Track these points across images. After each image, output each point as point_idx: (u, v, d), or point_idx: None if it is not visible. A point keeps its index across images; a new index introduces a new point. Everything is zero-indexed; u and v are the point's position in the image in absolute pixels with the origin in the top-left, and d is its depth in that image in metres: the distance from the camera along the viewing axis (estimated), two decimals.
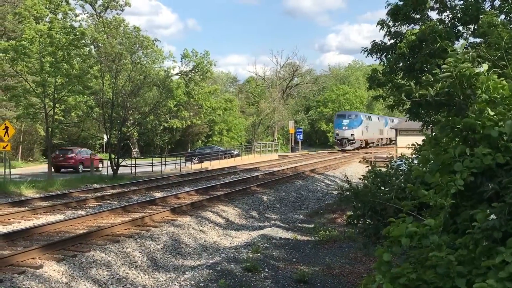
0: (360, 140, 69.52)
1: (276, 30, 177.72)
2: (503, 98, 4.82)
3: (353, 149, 65.44)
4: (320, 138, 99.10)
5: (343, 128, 67.54)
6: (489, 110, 4.70)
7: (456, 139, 4.92)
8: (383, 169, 9.91)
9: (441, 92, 5.18)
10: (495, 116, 4.62)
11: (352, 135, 67.01)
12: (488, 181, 4.52)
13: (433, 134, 5.32)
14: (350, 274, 11.86)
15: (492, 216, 4.08)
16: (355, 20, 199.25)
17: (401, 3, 20.08)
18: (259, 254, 13.02)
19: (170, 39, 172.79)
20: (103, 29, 53.25)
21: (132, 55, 54.63)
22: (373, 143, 74.75)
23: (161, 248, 13.25)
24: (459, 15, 19.55)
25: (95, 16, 61.06)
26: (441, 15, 20.63)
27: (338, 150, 66.31)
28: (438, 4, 20.53)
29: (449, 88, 5.04)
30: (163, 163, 37.95)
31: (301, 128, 76.72)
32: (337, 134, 68.62)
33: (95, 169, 34.45)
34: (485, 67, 5.02)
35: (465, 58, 4.99)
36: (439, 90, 5.20)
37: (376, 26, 20.78)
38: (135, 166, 35.50)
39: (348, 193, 9.53)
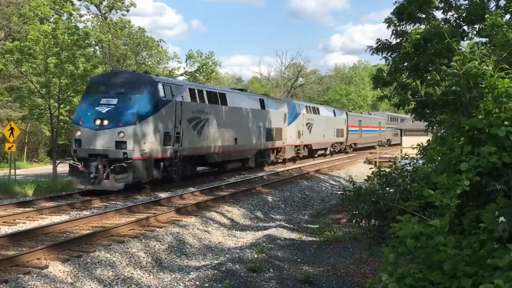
0: (161, 157, 21.93)
1: (280, 31, 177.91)
2: (509, 97, 4.79)
3: (115, 189, 20.36)
4: None
5: (94, 121, 20.61)
6: (496, 109, 4.68)
7: (462, 138, 4.90)
8: (387, 170, 9.90)
9: (447, 91, 5.16)
10: (502, 114, 4.60)
11: (123, 144, 20.17)
12: (494, 181, 4.50)
13: (439, 133, 5.31)
14: (355, 274, 11.83)
15: (501, 218, 4.05)
16: (359, 20, 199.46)
17: (405, 2, 20.07)
18: (264, 254, 13.02)
19: (174, 40, 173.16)
20: (108, 30, 53.29)
21: (136, 56, 54.65)
22: (247, 159, 31.45)
23: (166, 249, 13.25)
24: (464, 14, 19.51)
25: (100, 17, 61.10)
26: (446, 14, 20.60)
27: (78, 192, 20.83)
28: (443, 4, 20.50)
29: (455, 87, 5.02)
30: None
31: None
32: (77, 142, 20.70)
33: None
34: (491, 65, 5.00)
35: (472, 57, 4.97)
36: (446, 89, 5.18)
37: (383, 22, 20.78)
38: None
39: (351, 193, 9.52)
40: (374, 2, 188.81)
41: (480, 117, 4.69)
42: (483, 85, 4.93)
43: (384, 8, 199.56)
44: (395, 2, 20.55)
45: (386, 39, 21.42)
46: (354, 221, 9.41)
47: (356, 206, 9.04)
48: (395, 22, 20.55)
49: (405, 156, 10.30)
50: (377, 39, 21.61)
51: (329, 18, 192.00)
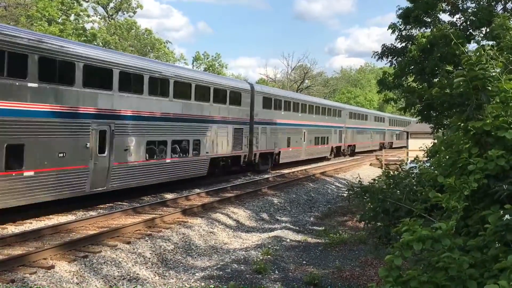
0: None
1: (286, 34, 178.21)
2: None
3: None
4: None
5: None
6: (503, 112, 4.69)
7: (469, 141, 4.91)
8: (394, 172, 9.89)
9: (454, 94, 5.18)
10: (509, 119, 4.61)
11: None
12: (501, 183, 4.51)
13: (445, 136, 5.32)
14: (361, 277, 11.84)
15: (507, 216, 4.06)
16: (365, 23, 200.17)
17: (412, 6, 20.02)
18: (269, 256, 13.03)
19: (181, 42, 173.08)
20: (115, 31, 53.43)
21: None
22: None
23: (172, 249, 13.28)
24: (471, 17, 19.47)
25: (107, 18, 61.35)
26: (453, 17, 20.56)
27: None
28: (450, 7, 20.46)
29: (463, 89, 5.03)
30: None
31: None
32: None
33: None
34: (498, 68, 5.01)
35: (479, 61, 4.98)
36: (453, 91, 5.20)
37: (388, 29, 20.74)
38: None
39: (359, 189, 9.51)
40: (380, 6, 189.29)
41: (488, 121, 4.70)
42: (490, 88, 4.95)
43: (390, 11, 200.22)
44: (398, 8, 20.54)
45: (391, 44, 21.39)
46: (360, 218, 9.39)
47: (363, 202, 9.01)
48: (400, 27, 20.52)
49: (415, 159, 10.27)
50: (382, 45, 21.61)
51: (335, 21, 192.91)
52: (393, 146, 74.80)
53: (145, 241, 13.18)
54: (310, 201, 24.20)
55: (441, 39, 17.56)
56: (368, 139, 61.53)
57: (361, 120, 58.39)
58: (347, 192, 9.68)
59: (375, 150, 62.55)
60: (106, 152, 17.87)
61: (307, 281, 11.15)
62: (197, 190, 22.75)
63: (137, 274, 11.33)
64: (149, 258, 12.30)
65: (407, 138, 47.89)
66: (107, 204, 18.72)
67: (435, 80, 18.61)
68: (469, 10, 20.08)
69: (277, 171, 33.38)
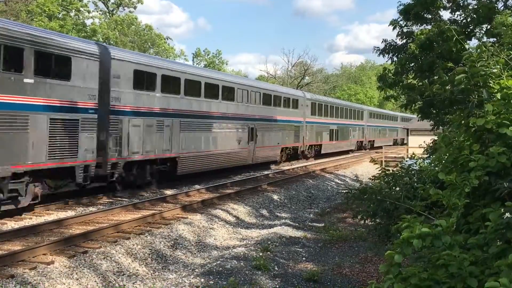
0: None
1: (286, 30, 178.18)
2: None
3: None
4: None
5: None
6: (504, 109, 4.67)
7: (470, 138, 4.89)
8: (394, 169, 9.89)
9: (454, 91, 5.17)
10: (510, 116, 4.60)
11: None
12: (501, 180, 4.50)
13: (446, 133, 5.30)
14: (360, 273, 11.83)
15: (507, 214, 4.05)
16: (364, 20, 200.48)
17: (412, 2, 19.96)
18: (268, 252, 13.03)
19: (180, 38, 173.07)
20: (116, 26, 53.34)
21: (144, 53, 54.68)
22: None
23: (171, 246, 13.27)
24: (472, 14, 19.41)
25: (108, 13, 61.23)
26: (454, 14, 20.49)
27: None
28: (450, 4, 20.40)
29: (465, 85, 5.02)
30: None
31: None
32: None
33: None
34: (500, 64, 4.99)
35: (480, 57, 4.96)
36: (454, 87, 5.19)
37: (389, 25, 20.70)
38: None
39: (356, 191, 9.53)
40: (379, 3, 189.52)
41: (488, 118, 4.69)
42: (492, 85, 4.93)
43: (389, 8, 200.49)
44: (400, 3, 20.49)
45: (392, 40, 21.34)
46: (359, 217, 9.39)
47: (361, 204, 9.04)
48: (400, 23, 20.45)
49: (412, 156, 10.27)
50: (383, 39, 21.54)
51: (334, 17, 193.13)
52: (323, 152, 44.58)
53: (145, 237, 13.18)
54: (310, 197, 24.20)
55: (439, 36, 17.51)
56: (233, 141, 28.30)
57: (214, 102, 25.94)
58: (345, 193, 9.68)
59: (272, 163, 34.82)
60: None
61: (306, 278, 11.14)
62: (197, 186, 22.76)
63: (137, 270, 11.33)
64: (149, 254, 12.30)
65: (407, 135, 47.76)
66: (107, 200, 18.73)
67: (435, 77, 18.58)
68: (470, 7, 20.00)
69: (278, 168, 33.37)
